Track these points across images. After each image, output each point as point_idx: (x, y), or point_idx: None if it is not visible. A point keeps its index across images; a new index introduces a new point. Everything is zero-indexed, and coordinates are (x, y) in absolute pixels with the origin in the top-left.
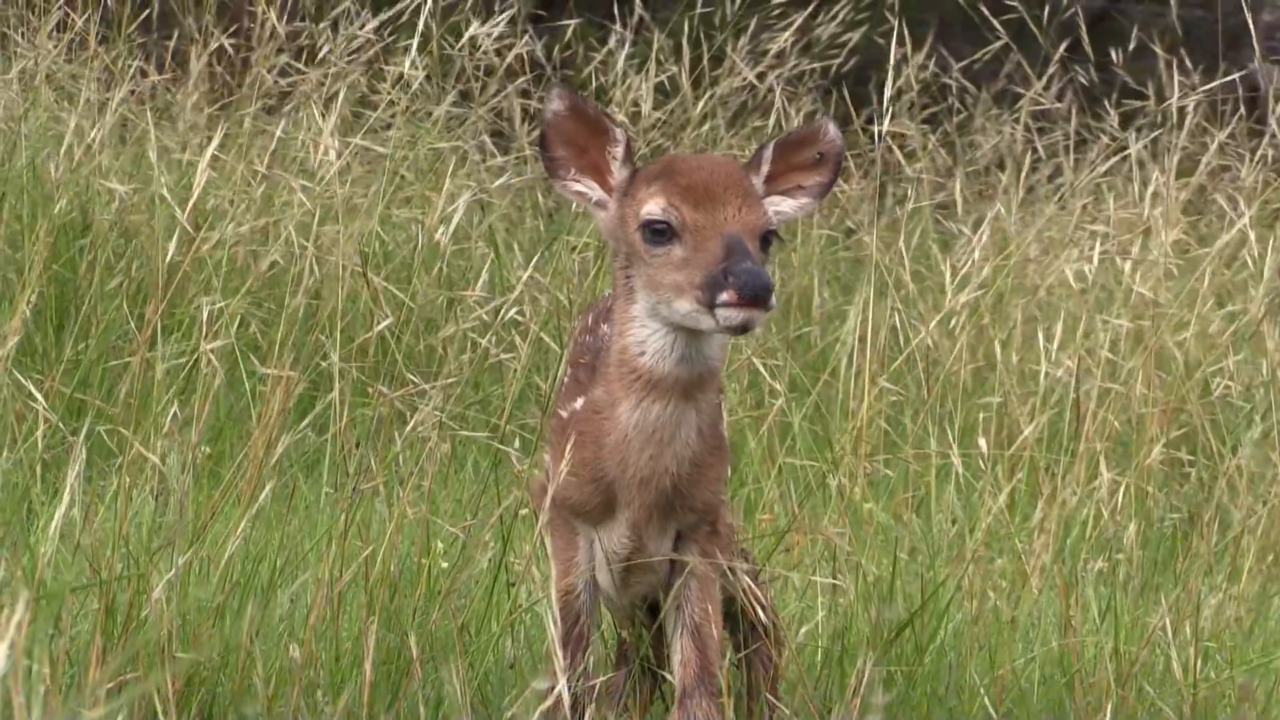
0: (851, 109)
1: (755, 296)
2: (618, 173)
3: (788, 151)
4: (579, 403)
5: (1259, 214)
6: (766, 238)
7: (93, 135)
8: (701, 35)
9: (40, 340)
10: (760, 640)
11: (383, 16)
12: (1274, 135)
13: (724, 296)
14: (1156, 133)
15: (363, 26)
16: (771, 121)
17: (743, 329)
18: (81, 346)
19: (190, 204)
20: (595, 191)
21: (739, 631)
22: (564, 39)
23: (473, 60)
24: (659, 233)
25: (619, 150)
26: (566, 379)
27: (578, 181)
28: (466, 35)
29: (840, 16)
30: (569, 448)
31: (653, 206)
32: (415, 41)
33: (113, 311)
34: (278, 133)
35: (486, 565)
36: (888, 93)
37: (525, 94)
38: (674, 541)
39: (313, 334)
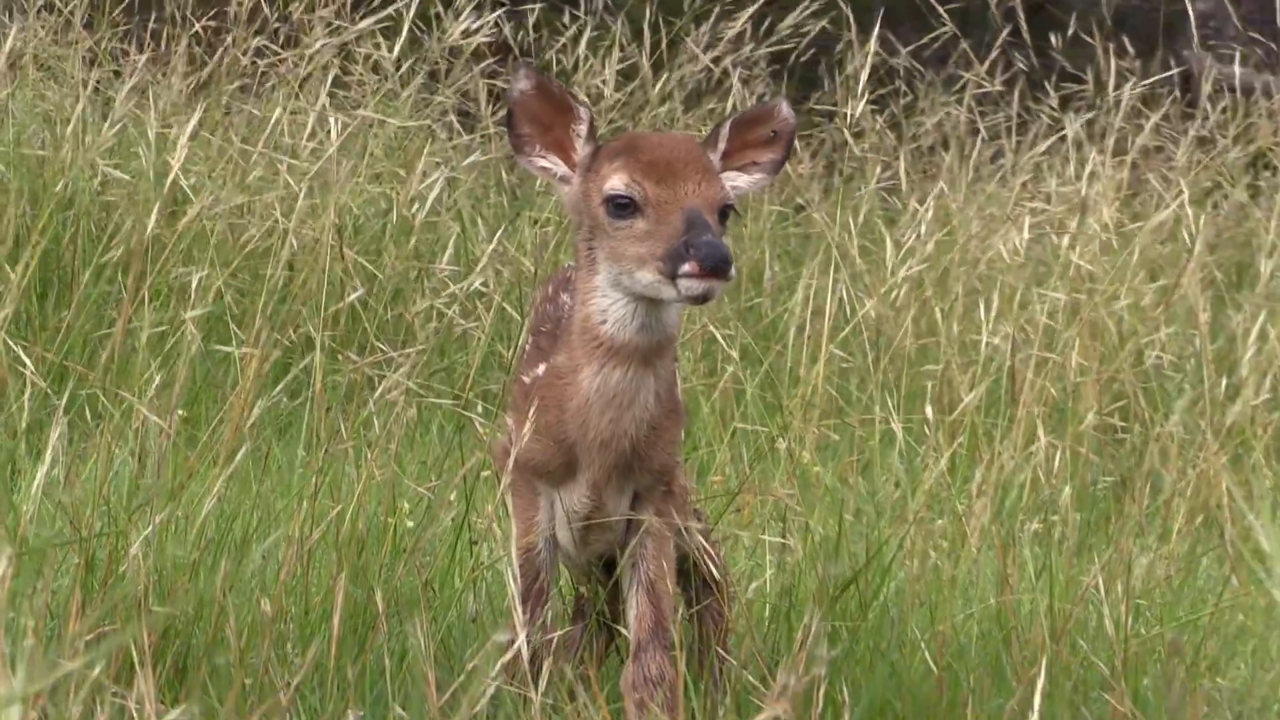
0: (820, 88)
1: (715, 268)
2: (581, 149)
3: (743, 129)
4: (541, 369)
5: (1191, 192)
6: (724, 211)
7: (76, 111)
8: (661, 21)
9: (25, 308)
10: (711, 596)
11: (372, 22)
12: (1206, 117)
13: (685, 268)
14: (1093, 114)
15: (338, 13)
16: (728, 104)
17: (703, 299)
18: (65, 315)
19: (169, 180)
20: (559, 167)
21: (691, 588)
22: (529, 23)
23: (441, 44)
24: (622, 207)
25: (583, 128)
26: (528, 346)
27: (543, 158)
28: (453, 38)
29: (797, 8)
30: (532, 412)
31: (616, 182)
32: (403, 35)
33: (97, 282)
34: (259, 113)
35: (450, 524)
36: (863, 80)
37: (492, 75)
38: (631, 501)
39: (287, 304)
